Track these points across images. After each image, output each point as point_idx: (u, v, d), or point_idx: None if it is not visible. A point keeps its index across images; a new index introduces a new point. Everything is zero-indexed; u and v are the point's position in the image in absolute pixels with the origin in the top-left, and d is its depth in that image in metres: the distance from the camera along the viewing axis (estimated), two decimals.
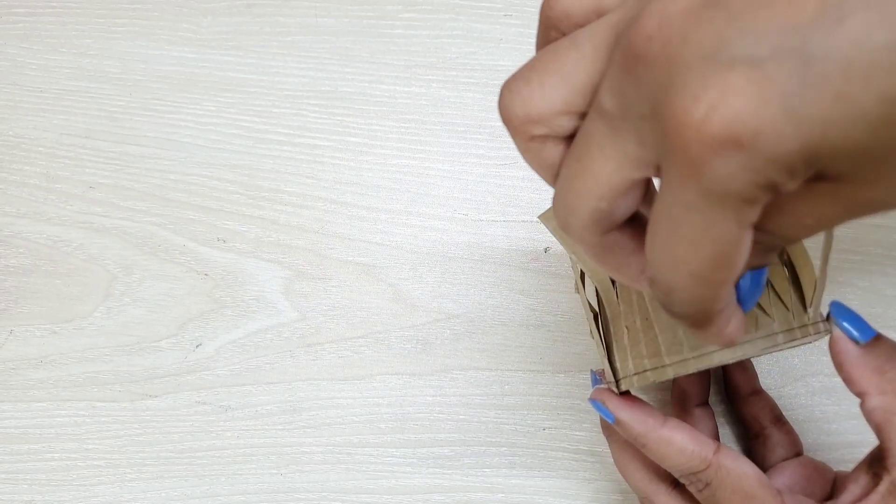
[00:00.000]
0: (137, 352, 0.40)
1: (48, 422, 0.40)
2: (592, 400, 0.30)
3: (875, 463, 0.27)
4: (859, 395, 0.27)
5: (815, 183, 0.17)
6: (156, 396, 0.40)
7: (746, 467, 0.28)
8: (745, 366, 0.37)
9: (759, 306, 0.27)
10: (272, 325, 0.40)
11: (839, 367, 0.28)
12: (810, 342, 0.30)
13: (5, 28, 0.44)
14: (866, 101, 0.15)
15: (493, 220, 0.41)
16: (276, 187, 0.42)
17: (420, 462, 0.39)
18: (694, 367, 0.27)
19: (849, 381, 0.28)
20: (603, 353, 0.30)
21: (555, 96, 0.19)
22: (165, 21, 0.44)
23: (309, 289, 0.41)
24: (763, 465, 0.34)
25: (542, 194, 0.41)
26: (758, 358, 0.38)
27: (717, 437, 0.35)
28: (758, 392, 0.36)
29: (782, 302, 0.27)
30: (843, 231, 0.40)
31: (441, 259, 0.41)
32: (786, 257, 0.29)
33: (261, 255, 0.41)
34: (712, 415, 0.36)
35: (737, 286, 0.22)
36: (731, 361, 0.27)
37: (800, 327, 0.28)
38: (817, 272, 0.27)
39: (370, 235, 0.41)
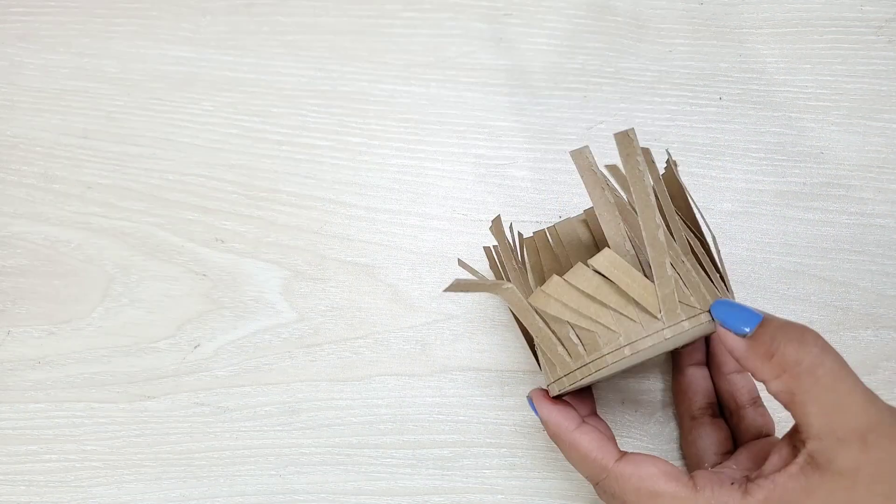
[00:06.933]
0: (135, 353, 0.40)
1: (46, 423, 0.40)
2: (528, 397, 0.33)
3: (794, 435, 0.28)
4: (762, 382, 0.28)
5: None
6: (154, 397, 0.40)
7: (650, 467, 0.29)
8: None
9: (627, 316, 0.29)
10: (271, 326, 0.40)
11: (738, 362, 0.29)
12: (698, 334, 0.30)
13: (3, 27, 0.44)
14: None
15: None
16: (275, 187, 0.42)
17: (419, 463, 0.39)
18: (594, 368, 0.29)
19: (751, 373, 0.28)
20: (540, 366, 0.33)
21: None
22: (164, 20, 0.44)
23: (308, 289, 0.41)
24: (732, 442, 0.35)
25: (543, 194, 0.41)
26: None
27: (712, 401, 0.37)
28: (741, 372, 0.36)
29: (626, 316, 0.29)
30: (843, 231, 0.40)
31: (441, 259, 0.41)
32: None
33: (259, 255, 0.41)
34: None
35: None
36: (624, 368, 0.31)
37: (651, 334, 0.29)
38: (656, 280, 0.28)
39: (369, 235, 0.41)
